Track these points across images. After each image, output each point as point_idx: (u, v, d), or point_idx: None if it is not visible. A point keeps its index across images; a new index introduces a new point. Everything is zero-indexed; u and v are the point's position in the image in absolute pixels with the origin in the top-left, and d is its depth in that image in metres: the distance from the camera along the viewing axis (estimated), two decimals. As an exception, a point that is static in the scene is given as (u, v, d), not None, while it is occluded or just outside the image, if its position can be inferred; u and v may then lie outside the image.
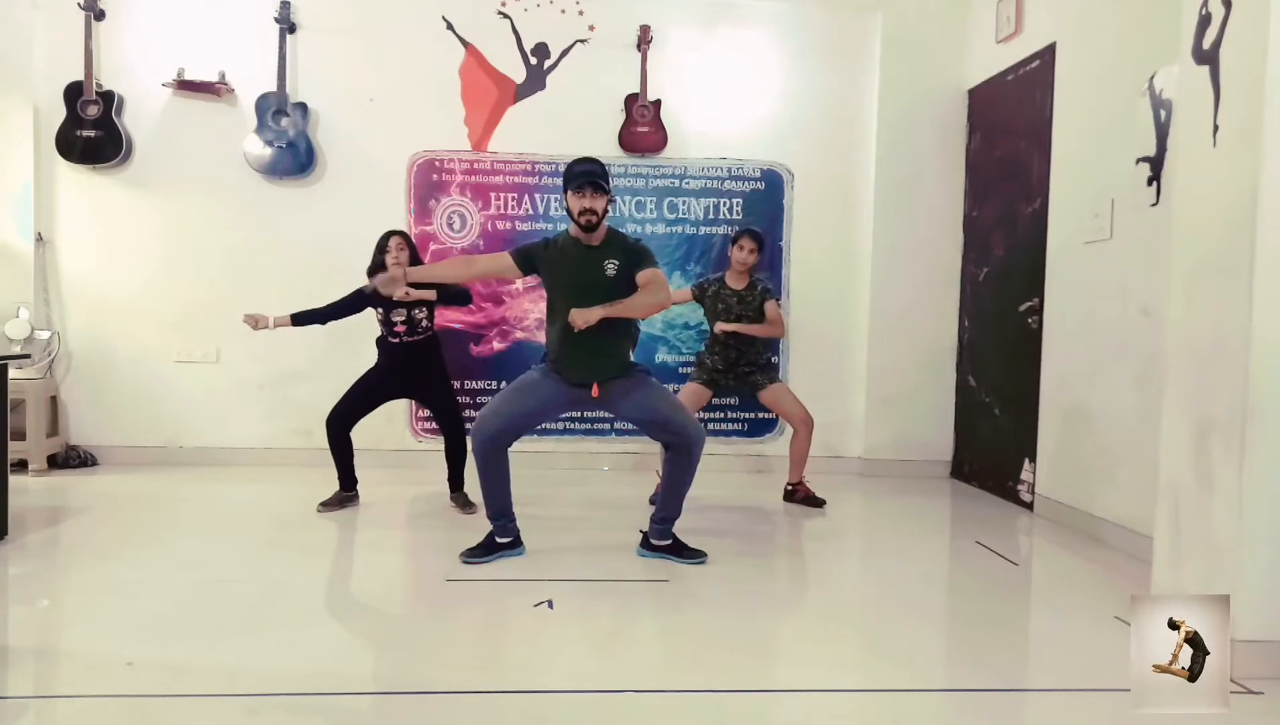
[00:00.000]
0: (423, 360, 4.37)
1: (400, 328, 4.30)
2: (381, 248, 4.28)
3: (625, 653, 2.74)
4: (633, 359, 3.69)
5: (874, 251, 5.50)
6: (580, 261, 3.48)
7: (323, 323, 4.34)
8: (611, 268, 3.46)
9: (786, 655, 2.85)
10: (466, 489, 4.34)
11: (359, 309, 4.34)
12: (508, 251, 3.60)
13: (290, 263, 5.25)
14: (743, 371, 4.65)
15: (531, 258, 3.54)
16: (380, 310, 4.31)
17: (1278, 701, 2.38)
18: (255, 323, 4.25)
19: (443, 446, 4.43)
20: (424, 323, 4.33)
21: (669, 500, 3.57)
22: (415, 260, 4.30)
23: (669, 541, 3.59)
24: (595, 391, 3.50)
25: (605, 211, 3.46)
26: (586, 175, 3.44)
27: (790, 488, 4.73)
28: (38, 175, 5.22)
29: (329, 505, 4.28)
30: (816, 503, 4.64)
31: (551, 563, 3.51)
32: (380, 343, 4.40)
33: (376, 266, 4.25)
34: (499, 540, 3.55)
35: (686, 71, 5.50)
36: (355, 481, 4.38)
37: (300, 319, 4.29)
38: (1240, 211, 2.52)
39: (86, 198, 5.30)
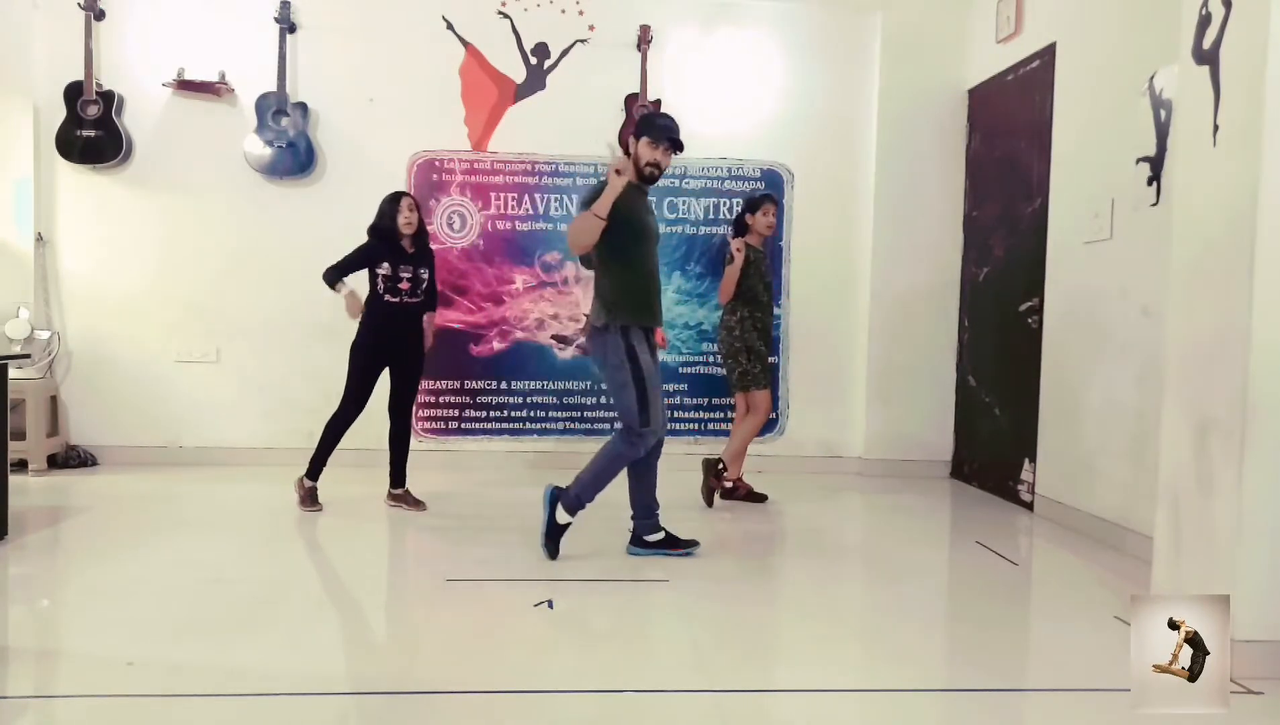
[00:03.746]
0: (414, 325, 4.29)
1: (405, 286, 4.16)
2: (394, 207, 4.16)
3: (625, 653, 2.74)
4: None
5: (874, 251, 5.49)
6: (649, 209, 3.67)
7: (343, 276, 4.17)
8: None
9: (787, 655, 2.85)
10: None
11: (374, 262, 4.18)
12: (590, 212, 3.36)
13: (290, 263, 5.23)
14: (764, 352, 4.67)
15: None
16: (386, 265, 4.16)
17: (1278, 701, 2.38)
18: (357, 308, 4.15)
19: (409, 445, 4.42)
20: (426, 284, 4.27)
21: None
22: (422, 223, 4.27)
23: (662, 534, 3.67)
24: (660, 337, 3.65)
25: None
26: (668, 131, 3.54)
27: (731, 483, 4.63)
28: (38, 175, 5.22)
29: (310, 504, 4.27)
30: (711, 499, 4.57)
31: (551, 562, 3.51)
32: (374, 304, 4.19)
33: (385, 228, 4.17)
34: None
35: (686, 71, 5.50)
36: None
37: (331, 277, 4.16)
38: (1240, 211, 2.52)
39: (86, 198, 5.30)
